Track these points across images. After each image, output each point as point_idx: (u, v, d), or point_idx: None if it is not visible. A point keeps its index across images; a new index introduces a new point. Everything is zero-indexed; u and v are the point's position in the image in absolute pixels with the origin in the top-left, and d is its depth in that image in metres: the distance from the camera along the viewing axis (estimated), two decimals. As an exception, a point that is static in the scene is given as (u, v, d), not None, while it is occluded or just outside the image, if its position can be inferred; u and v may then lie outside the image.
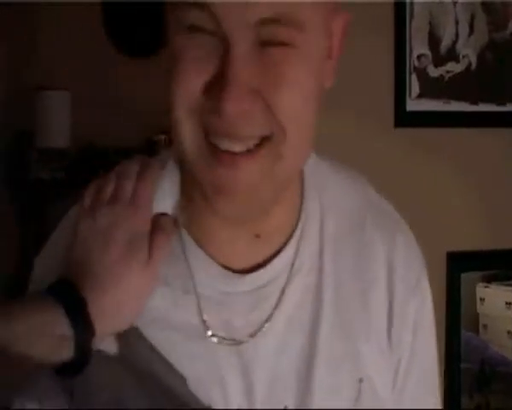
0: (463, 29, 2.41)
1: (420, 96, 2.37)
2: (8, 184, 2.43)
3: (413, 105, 2.36)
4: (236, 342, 0.76)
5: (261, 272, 0.76)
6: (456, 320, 2.42)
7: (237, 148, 0.66)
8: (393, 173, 2.22)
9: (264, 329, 0.76)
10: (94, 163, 2.24)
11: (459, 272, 2.41)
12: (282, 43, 0.65)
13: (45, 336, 0.67)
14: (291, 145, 0.67)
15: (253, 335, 0.76)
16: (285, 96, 0.66)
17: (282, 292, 0.77)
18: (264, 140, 0.67)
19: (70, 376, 0.72)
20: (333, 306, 0.79)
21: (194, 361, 0.75)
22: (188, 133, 0.68)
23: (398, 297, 0.81)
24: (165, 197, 0.78)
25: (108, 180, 0.77)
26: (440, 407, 0.88)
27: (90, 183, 0.78)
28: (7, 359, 0.65)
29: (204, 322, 0.76)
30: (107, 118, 2.36)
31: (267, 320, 0.76)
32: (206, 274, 0.76)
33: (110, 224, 0.73)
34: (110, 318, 0.72)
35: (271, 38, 0.65)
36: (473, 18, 2.42)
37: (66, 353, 0.69)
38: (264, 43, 0.65)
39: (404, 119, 2.36)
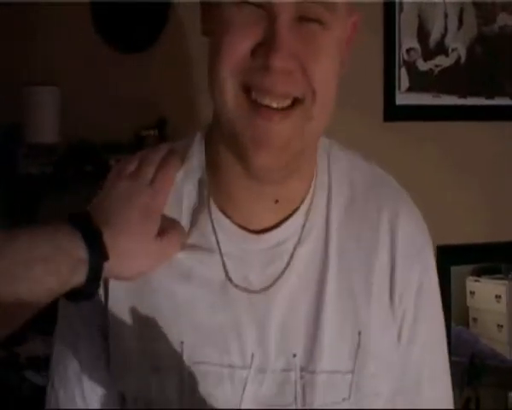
0: (452, 23, 2.41)
1: (409, 89, 2.38)
2: (-3, 178, 2.43)
3: (402, 99, 2.37)
4: (253, 295, 0.85)
5: (275, 232, 0.86)
6: (446, 314, 2.42)
7: (275, 104, 0.77)
8: (383, 167, 2.22)
9: (277, 284, 0.85)
10: (83, 158, 2.24)
11: (449, 265, 2.42)
12: (317, 21, 0.77)
13: (64, 256, 0.76)
14: (319, 107, 0.78)
15: (267, 288, 0.85)
16: (319, 64, 0.77)
17: (294, 252, 0.86)
18: (297, 102, 0.78)
19: (82, 300, 0.80)
20: (338, 267, 0.87)
21: (215, 312, 0.85)
22: (231, 91, 0.77)
23: (400, 261, 0.88)
24: (194, 172, 0.89)
25: (131, 162, 0.88)
26: (448, 366, 0.96)
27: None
28: (31, 279, 0.73)
29: (227, 276, 0.86)
30: (96, 113, 2.35)
31: (280, 277, 0.86)
32: (228, 235, 0.86)
33: (130, 193, 0.84)
34: (120, 258, 0.80)
35: (309, 15, 0.76)
36: (462, 11, 2.42)
37: (81, 275, 0.77)
38: (302, 19, 0.76)
39: (394, 113, 2.36)
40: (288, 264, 0.86)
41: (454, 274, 2.44)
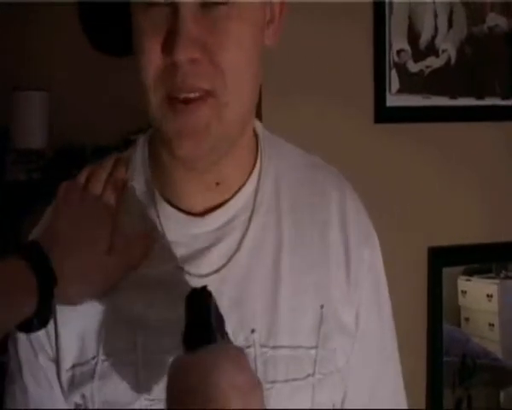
0: (442, 23, 2.41)
1: (400, 91, 2.37)
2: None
3: (393, 100, 2.36)
4: (206, 278, 0.86)
5: (220, 211, 0.89)
6: (438, 314, 2.43)
7: (192, 95, 0.78)
8: (374, 169, 2.22)
9: (230, 262, 0.88)
10: (71, 163, 2.22)
11: (441, 266, 2.42)
12: (224, 2, 0.77)
13: (15, 288, 0.77)
14: (232, 95, 0.79)
15: (219, 269, 0.88)
16: (227, 50, 0.77)
17: (245, 229, 0.89)
18: (208, 93, 0.79)
19: (35, 330, 0.82)
20: (292, 240, 0.90)
21: (169, 304, 0.84)
22: (154, 98, 0.80)
23: (352, 241, 0.92)
24: (139, 172, 0.93)
25: (78, 182, 0.92)
26: (397, 350, 0.99)
27: (63, 182, 0.94)
28: None
29: (177, 265, 0.87)
30: (84, 118, 2.34)
31: (233, 255, 0.88)
32: (173, 222, 0.89)
33: (77, 214, 0.87)
34: (70, 280, 0.82)
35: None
36: (452, 12, 2.42)
37: (32, 304, 0.78)
38: (207, 4, 0.77)
39: (385, 114, 2.35)
40: (240, 241, 0.88)
41: (445, 274, 2.44)
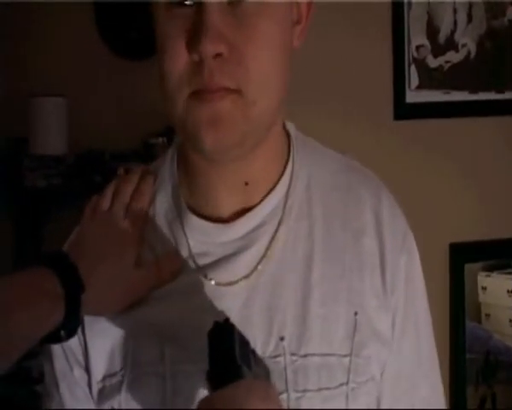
0: (462, 18, 2.40)
1: (419, 87, 2.36)
2: (3, 192, 2.42)
3: (412, 97, 2.35)
4: (234, 286, 0.84)
5: (249, 216, 0.85)
6: (460, 311, 2.42)
7: (217, 94, 0.76)
8: (394, 166, 2.21)
9: (258, 269, 0.84)
10: (91, 169, 2.23)
11: (462, 262, 2.41)
12: (252, 2, 0.75)
13: (42, 297, 0.76)
14: (258, 92, 0.77)
15: (246, 276, 0.84)
16: (253, 46, 0.76)
17: (274, 235, 0.85)
18: (236, 91, 0.76)
19: (63, 340, 0.80)
20: (324, 247, 0.86)
21: (196, 309, 0.83)
22: (180, 97, 0.77)
23: (388, 248, 0.88)
24: (166, 182, 0.90)
25: (105, 196, 0.90)
26: (437, 362, 0.94)
27: (91, 197, 0.91)
28: (10, 326, 0.73)
29: (204, 276, 0.84)
30: (103, 122, 2.35)
31: (260, 261, 0.84)
32: (198, 232, 0.86)
33: (104, 227, 0.86)
34: (97, 290, 0.81)
35: None
36: (471, 6, 2.41)
37: (60, 313, 0.77)
38: (233, 2, 0.75)
39: (404, 111, 2.35)
40: (268, 247, 0.85)
41: (466, 270, 2.43)
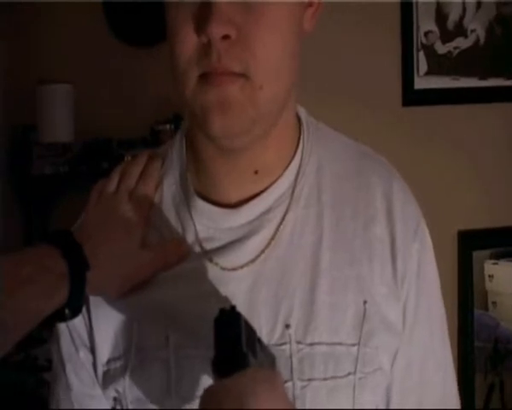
0: (470, 3, 2.38)
1: (428, 73, 2.35)
2: (11, 179, 2.43)
3: (421, 83, 2.34)
4: (240, 271, 0.83)
5: (256, 202, 0.85)
6: (468, 298, 2.41)
7: (225, 77, 0.76)
8: (402, 153, 2.19)
9: (264, 254, 0.84)
10: (98, 156, 2.23)
11: (470, 250, 2.40)
12: None
13: (47, 273, 0.76)
14: (265, 77, 0.76)
15: (253, 260, 0.83)
16: (261, 30, 0.75)
17: (281, 221, 0.84)
18: (243, 75, 0.76)
19: (68, 319, 0.81)
20: (334, 234, 0.85)
21: (203, 301, 0.82)
22: (189, 79, 0.77)
23: (399, 236, 0.86)
24: (174, 166, 0.90)
25: (111, 179, 0.90)
26: (450, 354, 0.92)
27: (99, 180, 0.91)
28: (16, 302, 0.74)
29: (210, 261, 0.84)
30: (110, 109, 2.34)
31: (266, 247, 0.84)
32: (205, 216, 0.85)
33: (110, 208, 0.86)
34: (102, 269, 0.81)
35: None
36: (480, -9, 2.39)
37: (65, 290, 0.77)
38: None
39: (413, 97, 2.33)
40: (276, 233, 0.84)
41: (473, 258, 2.43)
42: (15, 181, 2.41)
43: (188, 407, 0.82)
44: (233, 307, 0.72)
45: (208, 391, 0.68)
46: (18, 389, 1.80)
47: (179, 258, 0.85)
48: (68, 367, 0.90)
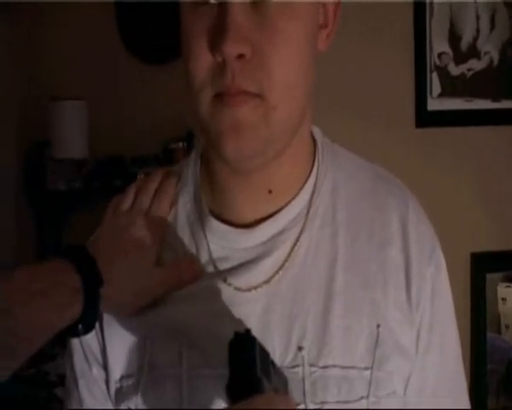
0: (484, 25, 2.38)
1: (441, 94, 2.35)
2: (25, 195, 2.44)
3: (434, 104, 2.34)
4: (253, 291, 0.83)
5: (271, 222, 0.84)
6: (481, 321, 2.39)
7: (239, 97, 0.75)
8: (416, 175, 2.18)
9: (277, 275, 0.83)
10: (111, 173, 2.24)
11: (484, 272, 2.38)
12: (276, 3, 0.74)
13: (60, 287, 0.76)
14: (279, 97, 0.76)
15: (268, 281, 0.83)
16: (276, 48, 0.74)
17: (296, 242, 0.84)
18: (258, 95, 0.76)
19: (80, 335, 0.80)
20: (348, 255, 0.84)
21: (215, 320, 0.82)
22: (203, 98, 0.77)
23: (414, 259, 0.85)
24: (189, 185, 0.90)
25: (127, 195, 0.90)
26: (464, 377, 0.91)
27: (110, 198, 0.91)
28: (29, 314, 0.73)
29: (223, 279, 0.84)
30: (124, 127, 2.35)
31: (281, 268, 0.83)
32: (219, 236, 0.85)
33: (125, 225, 0.86)
34: (116, 285, 0.81)
35: None
36: (494, 13, 2.38)
37: (78, 305, 0.77)
38: (257, 3, 0.74)
39: (426, 118, 2.33)
40: (290, 254, 0.83)
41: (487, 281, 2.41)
42: (29, 196, 2.43)
43: None
44: (248, 331, 0.72)
45: None
46: (29, 404, 1.80)
47: (193, 277, 0.85)
48: (81, 383, 0.90)
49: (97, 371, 0.88)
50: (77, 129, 2.25)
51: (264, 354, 0.73)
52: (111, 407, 0.88)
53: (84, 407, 0.90)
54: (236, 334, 0.71)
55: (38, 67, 2.43)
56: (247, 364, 0.70)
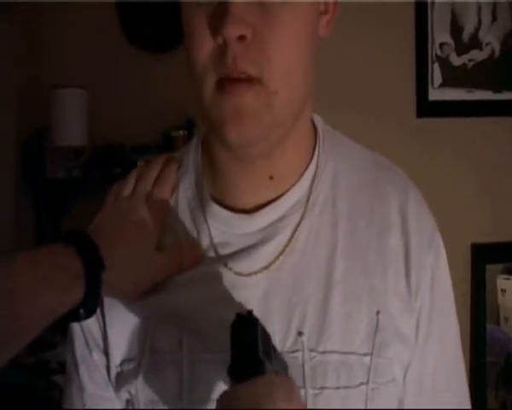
0: (486, 16, 2.37)
1: (442, 85, 2.34)
2: (25, 183, 2.44)
3: (436, 95, 2.33)
4: (254, 276, 0.83)
5: (272, 208, 0.84)
6: (481, 312, 2.40)
7: (242, 75, 0.75)
8: (417, 164, 2.19)
9: (278, 261, 0.83)
10: (111, 161, 2.23)
11: (484, 263, 2.39)
12: None
13: (62, 272, 0.76)
14: (280, 82, 0.76)
15: (266, 268, 0.83)
16: (277, 31, 0.75)
17: (296, 228, 0.84)
18: (258, 80, 0.76)
19: (82, 319, 0.80)
20: (348, 244, 0.85)
21: (217, 305, 0.82)
22: (206, 83, 0.77)
23: (413, 247, 0.85)
24: (190, 171, 0.91)
25: (128, 181, 0.90)
26: (463, 367, 0.91)
27: (110, 186, 0.91)
28: (31, 298, 0.73)
29: (224, 264, 0.84)
30: (124, 115, 2.35)
31: (281, 254, 0.84)
32: (220, 221, 0.86)
33: (126, 211, 0.86)
34: (117, 270, 0.81)
35: None
36: (495, 5, 2.38)
37: (80, 289, 0.77)
38: None
39: (427, 109, 2.33)
40: (290, 240, 0.84)
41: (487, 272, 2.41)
42: (28, 185, 2.43)
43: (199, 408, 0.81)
44: (250, 312, 0.72)
45: (224, 396, 0.68)
46: (29, 392, 1.81)
47: (194, 261, 0.85)
48: (82, 369, 0.90)
49: (98, 357, 0.88)
50: (76, 117, 2.25)
51: (266, 336, 0.73)
52: (112, 392, 0.88)
53: (85, 394, 0.90)
54: (238, 315, 0.71)
55: (39, 55, 2.42)
56: (249, 345, 0.69)
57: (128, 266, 0.83)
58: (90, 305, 0.79)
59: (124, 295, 0.85)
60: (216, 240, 0.85)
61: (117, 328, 0.86)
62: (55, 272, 0.75)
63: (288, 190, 0.85)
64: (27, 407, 1.80)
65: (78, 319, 0.80)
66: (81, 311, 0.79)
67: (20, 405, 1.78)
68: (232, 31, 0.73)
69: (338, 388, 0.81)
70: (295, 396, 0.68)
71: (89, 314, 0.80)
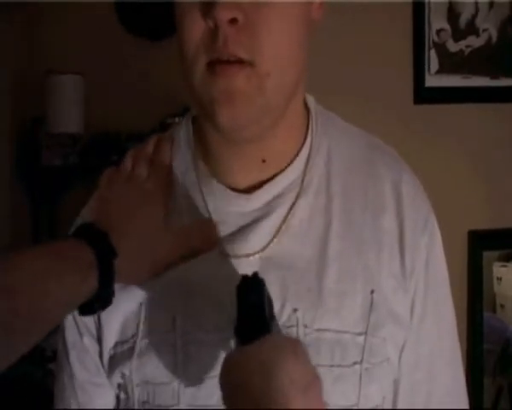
0: (483, 3, 2.37)
1: (439, 71, 2.34)
2: (20, 170, 2.43)
3: (432, 81, 2.33)
4: (248, 256, 0.83)
5: (267, 188, 0.85)
6: (477, 299, 2.40)
7: (232, 58, 0.75)
8: (413, 151, 2.18)
9: (272, 243, 0.84)
10: (107, 148, 2.23)
11: (481, 250, 2.39)
12: None
13: (75, 265, 0.75)
14: (271, 64, 0.76)
15: (263, 248, 0.84)
16: (268, 14, 0.75)
17: (291, 208, 0.85)
18: (249, 62, 0.76)
19: (97, 310, 0.80)
20: (342, 223, 0.85)
21: (210, 282, 0.83)
22: (197, 67, 0.77)
23: (408, 228, 0.86)
24: (182, 151, 0.90)
25: (125, 164, 0.89)
26: (459, 351, 0.91)
27: (106, 169, 0.90)
28: (44, 294, 0.72)
29: (220, 244, 0.84)
30: (120, 102, 2.34)
31: (276, 234, 0.84)
32: (217, 198, 0.85)
33: (128, 195, 0.85)
34: (130, 256, 0.80)
35: None
36: (493, -10, 2.38)
37: (93, 280, 0.76)
38: None
39: (424, 95, 2.33)
40: (284, 221, 0.84)
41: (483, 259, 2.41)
42: (24, 172, 2.42)
43: (194, 390, 0.82)
44: (255, 274, 0.72)
45: (230, 357, 0.68)
46: (26, 381, 1.81)
47: (204, 242, 0.84)
48: (72, 355, 0.90)
49: (89, 341, 0.88)
50: (72, 103, 2.23)
51: (270, 299, 0.73)
52: (103, 377, 0.88)
53: (76, 381, 0.90)
54: (245, 277, 0.71)
55: (35, 41, 2.41)
56: (255, 305, 0.69)
57: (139, 250, 0.82)
58: (105, 294, 0.79)
59: (137, 281, 0.84)
60: (213, 218, 0.85)
61: (111, 311, 0.85)
62: (66, 265, 0.74)
63: (282, 171, 0.85)
64: (24, 396, 1.80)
65: (94, 311, 0.79)
66: (95, 303, 0.78)
67: (16, 394, 1.78)
68: (223, 13, 0.73)
69: (332, 366, 0.81)
70: (302, 356, 0.68)
71: (104, 305, 0.80)
